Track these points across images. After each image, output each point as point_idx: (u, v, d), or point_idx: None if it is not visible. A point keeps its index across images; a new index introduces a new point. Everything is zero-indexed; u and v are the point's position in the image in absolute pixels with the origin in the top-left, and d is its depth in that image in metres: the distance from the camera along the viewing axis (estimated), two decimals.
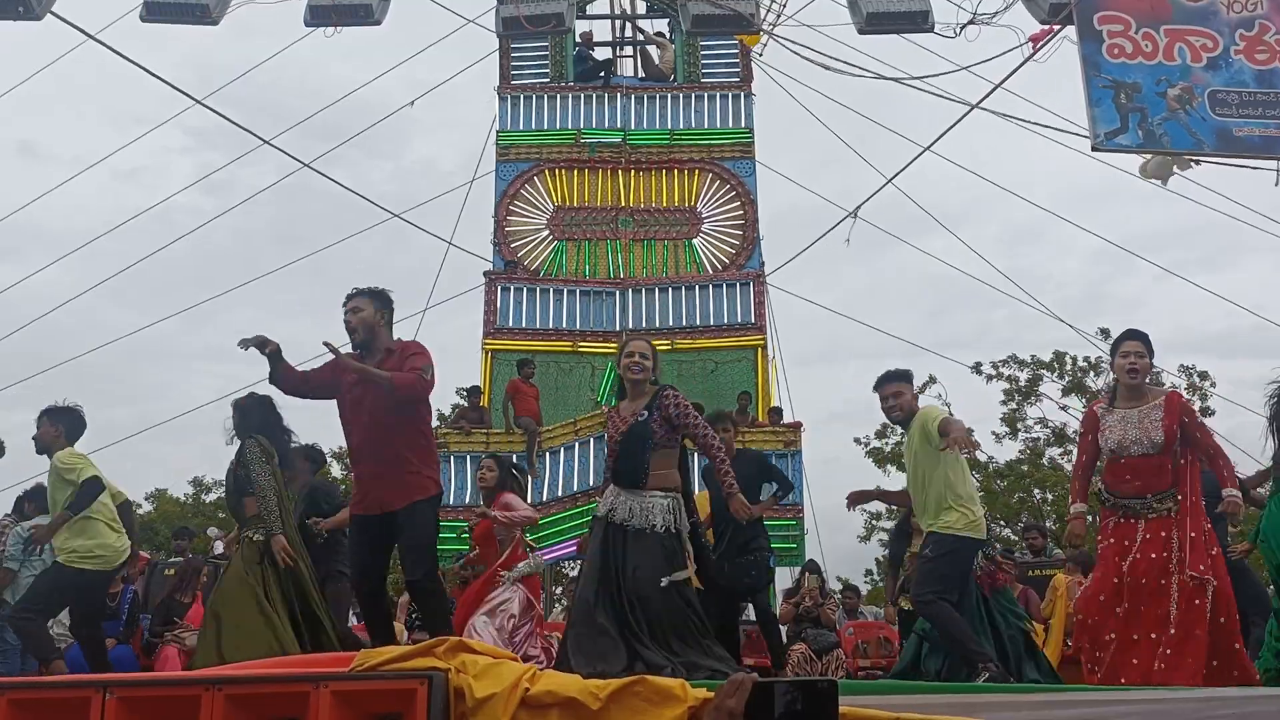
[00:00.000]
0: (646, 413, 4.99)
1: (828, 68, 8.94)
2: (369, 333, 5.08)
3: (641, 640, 4.58)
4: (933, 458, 5.27)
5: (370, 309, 5.12)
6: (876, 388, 5.55)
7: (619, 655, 4.54)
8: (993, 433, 25.26)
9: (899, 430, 5.64)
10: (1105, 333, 17.44)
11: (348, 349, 5.13)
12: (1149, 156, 8.42)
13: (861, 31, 8.76)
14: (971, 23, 8.28)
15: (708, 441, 5.02)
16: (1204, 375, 24.07)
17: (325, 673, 2.74)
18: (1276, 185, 8.06)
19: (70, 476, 5.93)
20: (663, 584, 4.67)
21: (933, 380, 18.55)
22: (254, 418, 5.69)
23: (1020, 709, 3.03)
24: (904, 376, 5.55)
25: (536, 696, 2.67)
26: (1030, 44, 8.35)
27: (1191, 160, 8.25)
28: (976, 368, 24.79)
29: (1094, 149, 7.93)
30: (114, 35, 9.84)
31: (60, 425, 6.08)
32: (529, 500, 12.45)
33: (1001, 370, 25.41)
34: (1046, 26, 8.32)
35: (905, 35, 9.07)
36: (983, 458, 24.81)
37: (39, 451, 6.13)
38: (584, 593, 4.86)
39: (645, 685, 2.66)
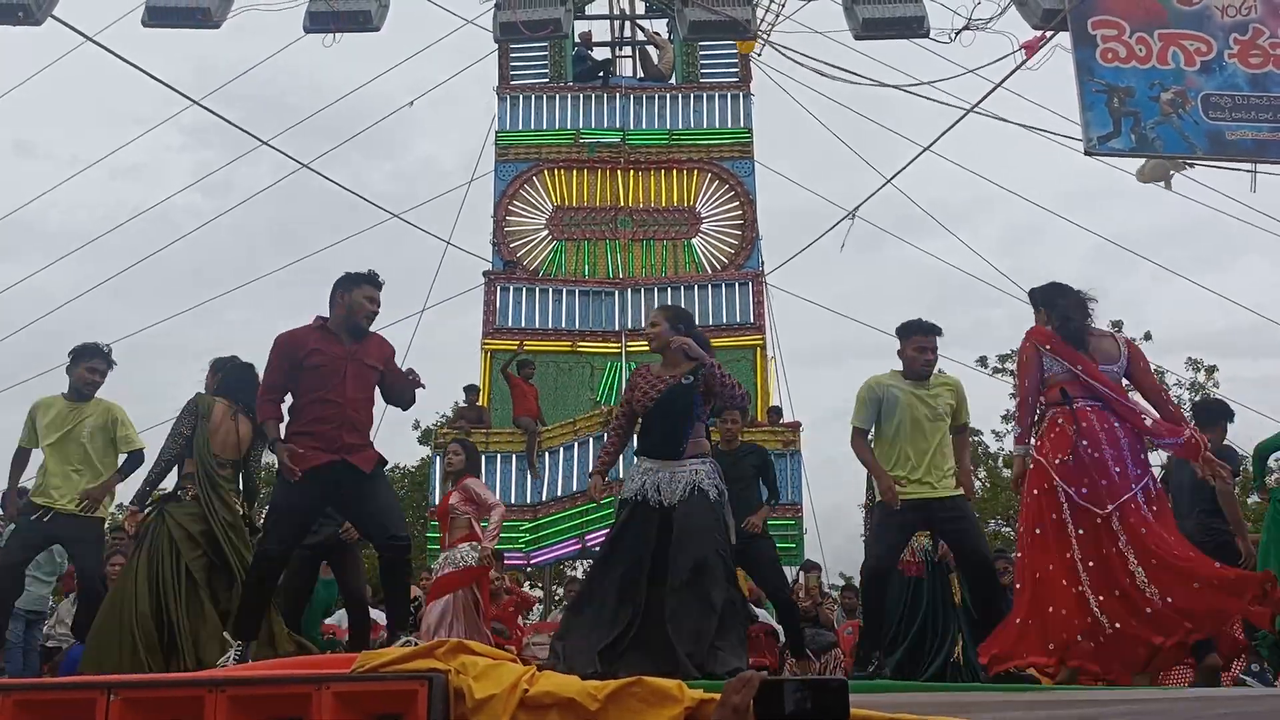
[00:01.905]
0: (692, 377, 4.66)
1: (823, 74, 8.98)
2: None
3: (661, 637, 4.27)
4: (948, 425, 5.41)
5: None
6: (916, 333, 5.44)
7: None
8: (993, 430, 25.24)
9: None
10: (1118, 325, 17.31)
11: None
12: (1145, 161, 8.46)
13: (858, 37, 8.85)
14: (966, 29, 8.31)
15: (724, 379, 4.72)
16: (1211, 370, 23.08)
17: (327, 674, 2.78)
18: (1252, 191, 8.11)
19: (125, 432, 6.05)
20: None
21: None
22: (229, 381, 5.84)
23: (1018, 709, 3.05)
24: (940, 332, 5.56)
25: (535, 697, 2.70)
26: (1024, 50, 8.38)
27: (1186, 162, 8.29)
28: (982, 361, 24.74)
29: (1087, 153, 7.97)
30: (112, 34, 9.84)
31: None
32: (529, 500, 12.55)
33: (1006, 365, 25.32)
34: (1039, 33, 8.35)
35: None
36: (993, 448, 24.86)
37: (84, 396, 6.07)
38: (603, 577, 4.53)
39: (643, 686, 2.70)
